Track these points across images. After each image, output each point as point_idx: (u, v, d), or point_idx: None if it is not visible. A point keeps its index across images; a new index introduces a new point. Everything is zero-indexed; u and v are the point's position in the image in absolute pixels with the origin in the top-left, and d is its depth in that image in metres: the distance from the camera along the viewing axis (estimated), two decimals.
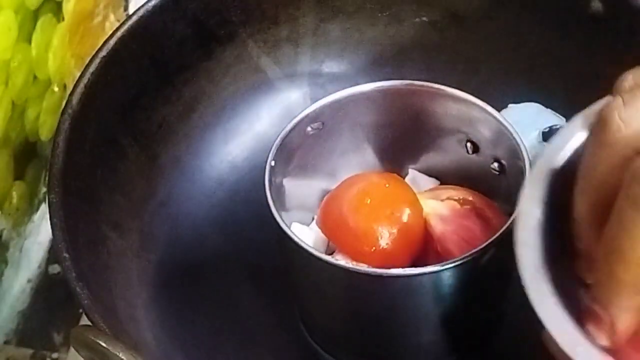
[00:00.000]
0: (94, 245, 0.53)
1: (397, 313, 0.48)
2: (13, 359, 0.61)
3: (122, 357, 0.41)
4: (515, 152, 0.49)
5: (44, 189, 0.64)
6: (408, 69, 0.62)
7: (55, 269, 0.64)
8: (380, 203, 0.49)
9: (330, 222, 0.50)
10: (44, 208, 0.64)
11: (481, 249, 0.45)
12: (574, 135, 0.41)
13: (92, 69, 0.54)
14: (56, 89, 0.64)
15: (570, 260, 0.40)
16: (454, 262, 0.45)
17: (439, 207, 0.51)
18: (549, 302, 0.38)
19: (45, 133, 0.63)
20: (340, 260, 0.48)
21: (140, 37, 0.57)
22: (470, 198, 0.51)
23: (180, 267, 0.58)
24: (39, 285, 0.64)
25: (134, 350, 0.42)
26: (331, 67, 0.63)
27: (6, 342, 0.61)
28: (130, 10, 0.71)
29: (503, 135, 0.50)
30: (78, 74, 0.55)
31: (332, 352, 0.53)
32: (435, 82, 0.51)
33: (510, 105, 0.51)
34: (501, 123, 0.50)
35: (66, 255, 0.48)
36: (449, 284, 0.46)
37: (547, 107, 0.52)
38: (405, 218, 0.49)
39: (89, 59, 0.55)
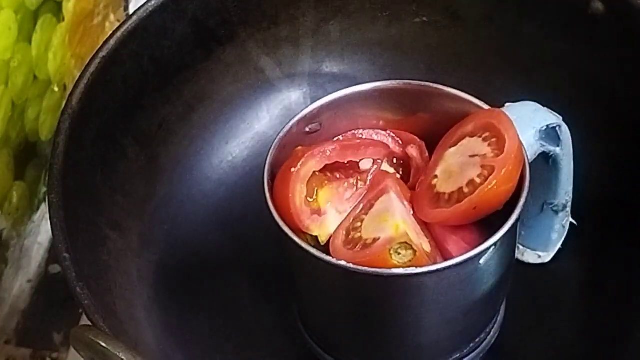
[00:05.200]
0: (94, 245, 0.53)
1: (397, 313, 0.48)
2: (13, 359, 0.61)
3: (122, 357, 0.41)
4: None
5: (44, 189, 0.64)
6: (408, 69, 0.62)
7: (55, 269, 0.64)
8: None
9: None
10: (44, 208, 0.64)
11: (481, 249, 0.45)
12: None
13: (92, 69, 0.54)
14: (56, 89, 0.64)
15: None
16: (454, 262, 0.45)
17: None
18: None
19: (45, 133, 0.63)
20: (340, 260, 0.48)
21: (140, 37, 0.57)
22: None
23: (180, 267, 0.58)
24: (39, 285, 0.64)
25: (134, 350, 0.42)
26: (331, 67, 0.63)
27: (6, 342, 0.61)
28: (130, 10, 0.71)
29: None
30: (78, 74, 0.55)
31: (331, 352, 0.53)
32: (435, 82, 0.51)
33: (507, 104, 0.51)
34: None
35: (66, 255, 0.48)
36: (449, 284, 0.46)
37: (544, 106, 0.52)
38: None
39: (89, 59, 0.55)
